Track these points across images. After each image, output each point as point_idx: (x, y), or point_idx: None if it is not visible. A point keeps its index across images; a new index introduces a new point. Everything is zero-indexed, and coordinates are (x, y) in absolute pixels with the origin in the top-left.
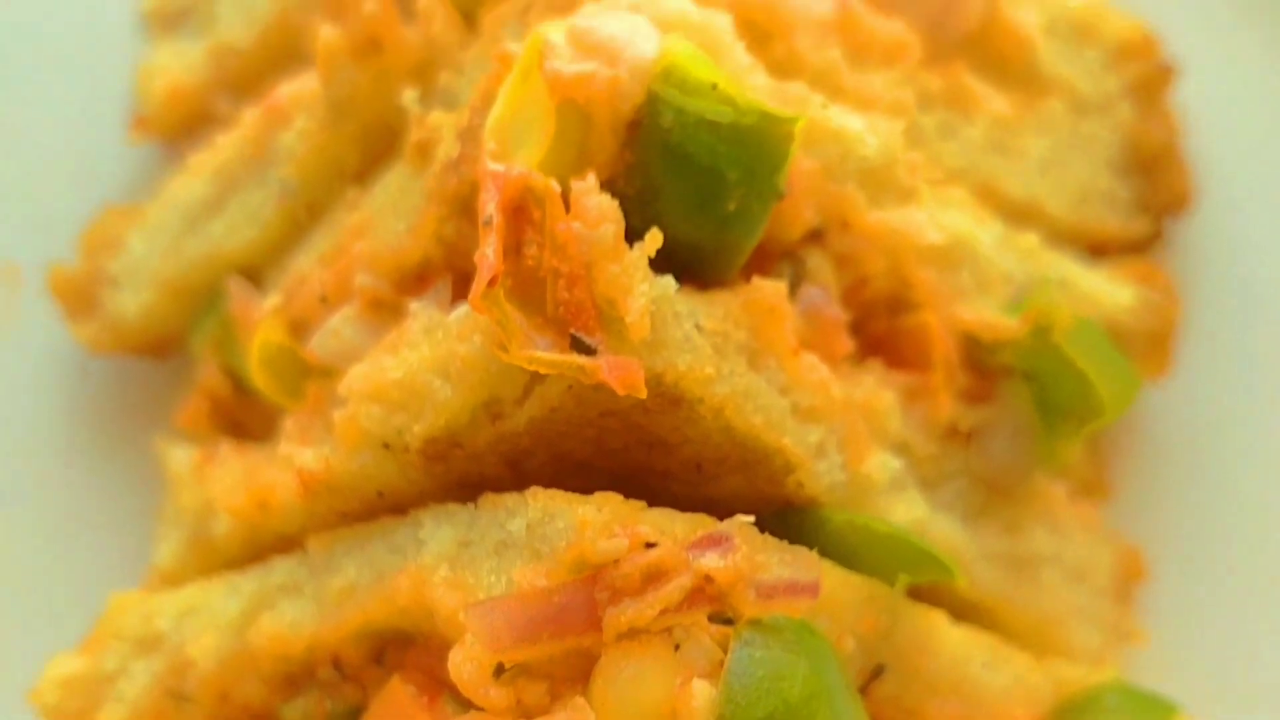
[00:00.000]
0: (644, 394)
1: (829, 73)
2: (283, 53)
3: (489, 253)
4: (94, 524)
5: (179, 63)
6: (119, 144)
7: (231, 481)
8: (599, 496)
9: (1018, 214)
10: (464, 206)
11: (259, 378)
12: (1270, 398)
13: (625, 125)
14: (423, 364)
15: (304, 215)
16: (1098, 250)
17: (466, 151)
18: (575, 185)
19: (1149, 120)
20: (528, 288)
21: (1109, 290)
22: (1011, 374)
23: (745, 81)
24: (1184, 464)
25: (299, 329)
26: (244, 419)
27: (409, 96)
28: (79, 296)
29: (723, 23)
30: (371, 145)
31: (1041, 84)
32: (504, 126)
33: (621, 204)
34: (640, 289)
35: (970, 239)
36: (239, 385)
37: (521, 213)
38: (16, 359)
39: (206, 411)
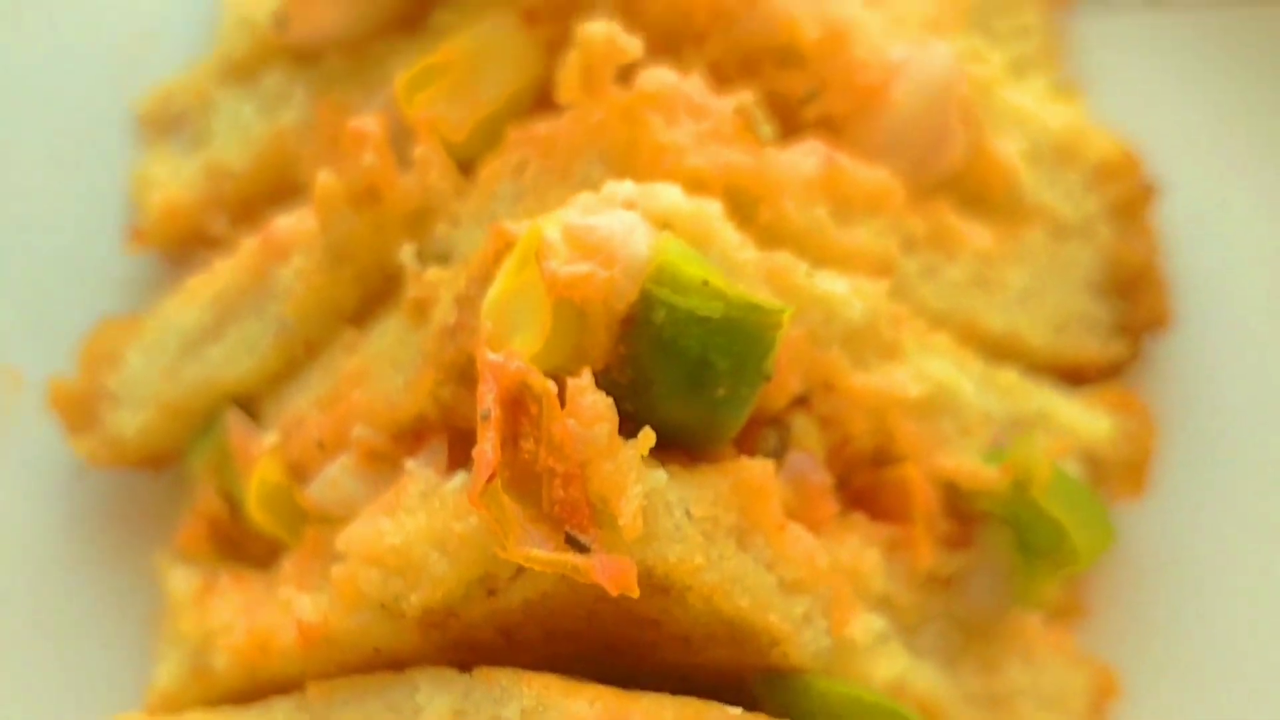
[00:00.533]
0: (636, 594)
1: (815, 231)
2: (278, 179)
3: (487, 449)
4: (92, 635)
5: (175, 177)
6: (118, 251)
7: (231, 616)
8: (591, 690)
9: (998, 348)
10: (461, 374)
11: (257, 515)
12: (1245, 517)
13: (619, 321)
14: (420, 534)
15: (301, 352)
16: (1077, 375)
17: (463, 320)
18: (571, 383)
19: (1129, 240)
20: (524, 479)
21: (1087, 421)
22: (990, 519)
23: (736, 258)
24: (1158, 582)
25: (296, 471)
26: (243, 541)
27: (406, 252)
28: (79, 411)
29: (713, 209)
30: (369, 287)
31: (1023, 212)
32: (501, 308)
33: (615, 391)
34: (634, 490)
35: (951, 386)
36: (237, 510)
37: (519, 405)
38: (16, 466)
39: (205, 534)
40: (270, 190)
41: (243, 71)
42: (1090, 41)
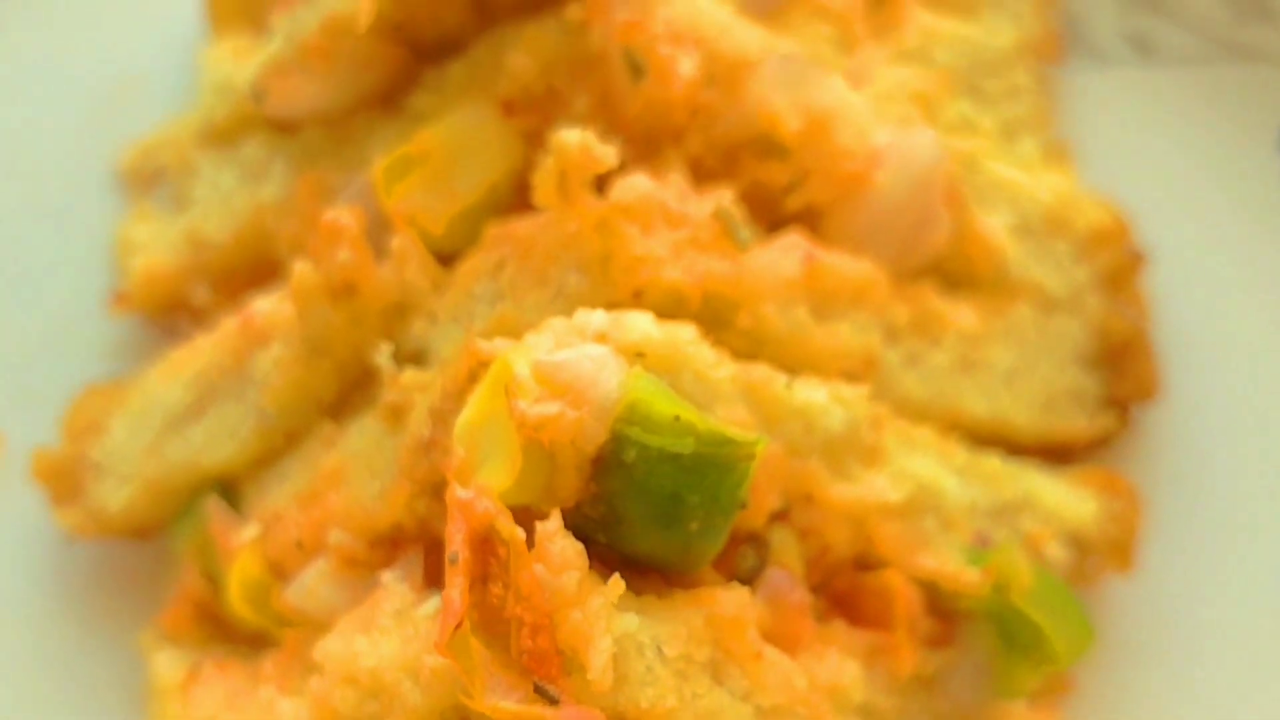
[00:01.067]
0: None
1: (796, 333)
2: (258, 253)
3: (454, 595)
4: (76, 709)
5: (157, 241)
6: (103, 314)
7: (214, 708)
8: None
9: (983, 433)
10: (434, 489)
11: (239, 607)
12: (1232, 592)
13: (590, 460)
14: (393, 659)
15: (281, 441)
16: (1063, 452)
17: (437, 436)
18: (540, 527)
19: (1118, 309)
20: (493, 623)
21: (1073, 504)
22: (972, 616)
23: (711, 378)
24: (1145, 658)
25: (276, 568)
26: (228, 621)
27: (382, 353)
28: (63, 482)
29: (685, 335)
30: (347, 378)
31: (1010, 288)
32: (472, 434)
33: (587, 525)
34: (603, 642)
35: (933, 484)
36: (220, 592)
37: (488, 546)
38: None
39: (190, 615)
40: (250, 263)
41: (223, 136)
42: (1080, 97)
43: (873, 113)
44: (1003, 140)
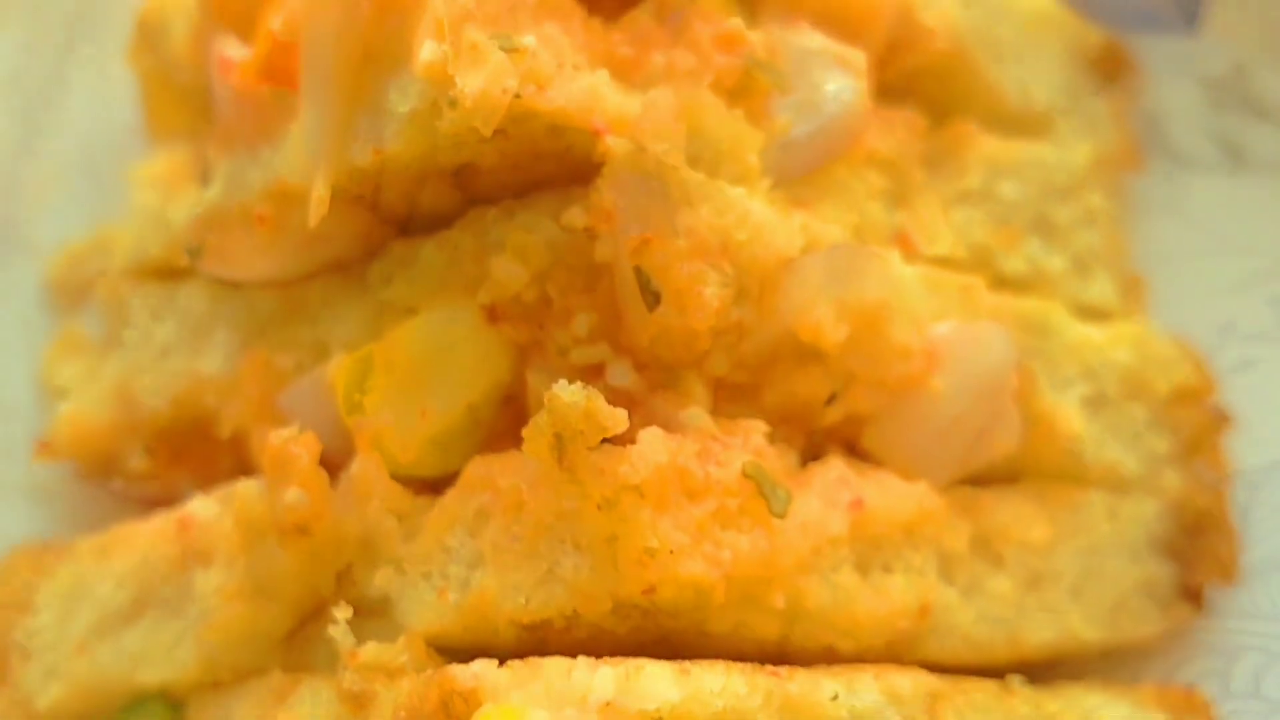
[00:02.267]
0: None
1: (838, 601)
2: (197, 425)
3: None
4: None
5: (85, 388)
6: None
7: None
8: None
9: (1048, 656)
10: None
11: None
12: None
13: None
14: None
15: (227, 675)
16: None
17: None
18: None
19: (1196, 481)
20: None
21: None
22: None
23: (744, 709)
24: None
25: None
26: None
27: (338, 619)
28: None
29: (713, 685)
30: (300, 613)
31: (1082, 474)
32: None
33: None
34: None
35: None
36: None
37: None
38: None
39: None
40: (189, 433)
41: (156, 273)
42: (1162, 210)
43: (930, 291)
44: (1075, 278)
